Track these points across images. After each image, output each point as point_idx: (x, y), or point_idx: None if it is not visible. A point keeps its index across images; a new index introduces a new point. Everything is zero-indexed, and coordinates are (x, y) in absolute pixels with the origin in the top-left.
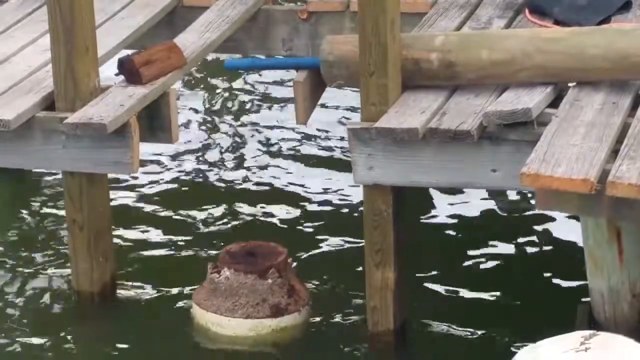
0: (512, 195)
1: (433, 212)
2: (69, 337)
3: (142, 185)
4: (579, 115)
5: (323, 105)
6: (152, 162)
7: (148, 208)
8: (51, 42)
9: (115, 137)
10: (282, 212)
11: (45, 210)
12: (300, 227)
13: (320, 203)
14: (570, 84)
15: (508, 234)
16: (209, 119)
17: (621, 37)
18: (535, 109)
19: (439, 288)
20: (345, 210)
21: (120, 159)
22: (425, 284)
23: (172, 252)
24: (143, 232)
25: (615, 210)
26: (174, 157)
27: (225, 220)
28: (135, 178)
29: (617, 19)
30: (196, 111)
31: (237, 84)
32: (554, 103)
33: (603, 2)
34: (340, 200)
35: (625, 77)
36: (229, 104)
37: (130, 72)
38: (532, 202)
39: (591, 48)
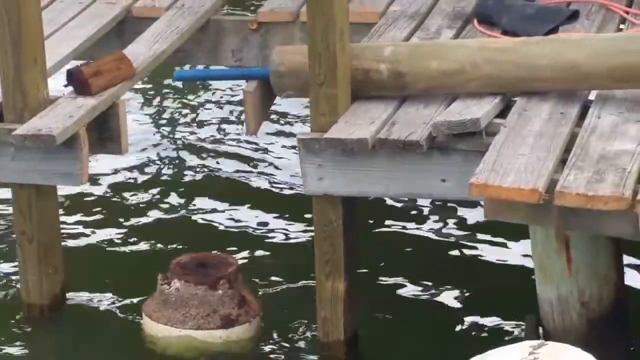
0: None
1: (384, 222)
2: (17, 351)
3: (92, 196)
4: (527, 125)
5: (278, 115)
6: (99, 172)
7: (97, 220)
8: None
9: (65, 148)
10: (232, 222)
11: None
12: (251, 238)
13: (272, 212)
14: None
15: (459, 244)
16: (160, 129)
17: (569, 47)
18: (484, 119)
19: (390, 298)
20: (297, 220)
21: (70, 170)
22: (377, 294)
23: (121, 264)
24: (93, 244)
25: (563, 220)
26: (124, 168)
27: (175, 231)
28: (85, 189)
29: (565, 29)
30: (146, 121)
31: (189, 93)
32: (503, 113)
33: (551, 12)
34: (292, 210)
35: (573, 87)
36: (181, 114)
37: (79, 83)
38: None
39: (539, 58)
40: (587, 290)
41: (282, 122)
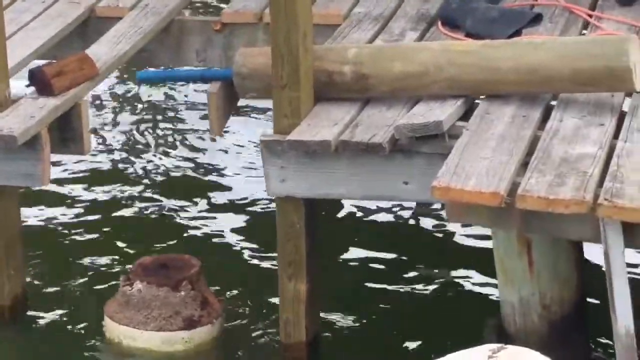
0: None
1: (346, 224)
2: None
3: (54, 197)
4: (489, 128)
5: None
6: (64, 173)
7: (59, 220)
8: None
9: (26, 149)
10: (196, 223)
11: None
12: (214, 239)
13: (235, 215)
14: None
15: (421, 246)
16: (124, 129)
17: (532, 50)
18: (447, 122)
19: (352, 300)
20: (261, 221)
21: (31, 171)
22: (338, 296)
23: (83, 265)
24: (54, 244)
25: (525, 223)
26: (86, 168)
27: (137, 232)
28: (47, 190)
29: (528, 32)
30: (110, 122)
31: (154, 92)
32: (466, 116)
33: (514, 15)
34: (255, 211)
35: (535, 90)
36: (145, 114)
37: (41, 83)
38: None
39: (502, 61)
40: (549, 293)
41: (249, 122)
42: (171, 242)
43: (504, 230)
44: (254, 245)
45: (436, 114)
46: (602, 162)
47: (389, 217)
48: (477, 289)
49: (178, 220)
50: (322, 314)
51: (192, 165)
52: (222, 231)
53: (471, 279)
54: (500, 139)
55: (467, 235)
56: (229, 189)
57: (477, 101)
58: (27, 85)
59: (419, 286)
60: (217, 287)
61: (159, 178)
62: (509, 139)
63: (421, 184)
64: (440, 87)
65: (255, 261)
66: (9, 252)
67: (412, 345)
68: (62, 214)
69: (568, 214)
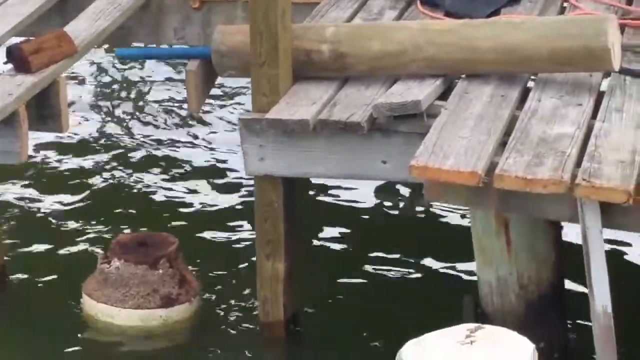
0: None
1: (324, 203)
2: None
3: (32, 174)
4: (468, 108)
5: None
6: (42, 150)
7: (37, 198)
8: None
9: (4, 126)
10: (174, 201)
11: None
12: (192, 217)
13: (214, 192)
14: (460, 77)
15: (399, 224)
16: (102, 106)
17: (510, 29)
18: (425, 101)
19: (330, 279)
20: (239, 199)
21: (9, 148)
22: (317, 275)
23: (61, 242)
24: (32, 222)
25: (502, 203)
26: (65, 146)
27: (115, 209)
28: (25, 166)
29: (507, 11)
30: (89, 98)
31: (132, 70)
32: (444, 95)
33: None
34: (234, 189)
35: (514, 70)
36: (123, 91)
37: (19, 60)
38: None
39: (481, 40)
40: (526, 273)
41: (227, 98)
42: (149, 220)
43: (481, 209)
44: (233, 224)
45: (414, 93)
46: (580, 142)
47: (366, 196)
48: (455, 268)
49: (156, 197)
50: (300, 293)
51: (170, 142)
52: (201, 209)
53: (449, 258)
54: (479, 118)
55: (446, 214)
56: (208, 166)
57: (455, 81)
58: (5, 63)
59: (397, 265)
60: (195, 266)
61: (138, 155)
62: (487, 119)
63: (399, 163)
64: (418, 67)
65: (234, 239)
66: None
67: (389, 324)
68: (41, 191)
69: (546, 193)
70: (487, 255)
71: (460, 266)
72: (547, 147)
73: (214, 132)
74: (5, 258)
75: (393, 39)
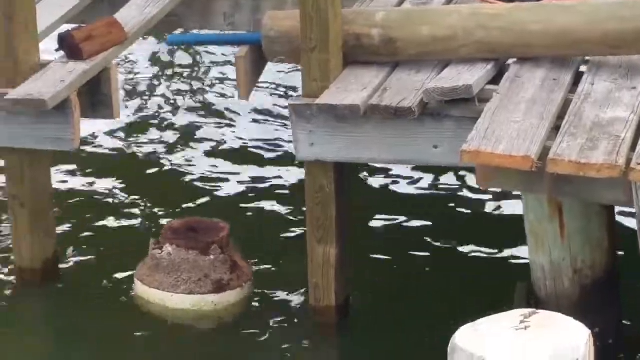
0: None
1: (375, 189)
2: (9, 315)
3: (86, 161)
4: (520, 92)
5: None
6: (95, 137)
7: (91, 184)
8: None
9: (56, 113)
10: (226, 187)
11: None
12: (244, 203)
13: (265, 177)
14: (511, 61)
15: (450, 210)
16: (154, 94)
17: (562, 13)
18: (477, 86)
19: (382, 265)
20: (291, 185)
21: (62, 135)
22: (368, 261)
23: (114, 229)
24: (86, 208)
25: (556, 187)
26: (117, 133)
27: (168, 196)
28: (79, 153)
29: None
30: (141, 85)
31: (182, 57)
32: (495, 79)
33: None
34: (286, 174)
35: (565, 53)
36: (175, 78)
37: (70, 47)
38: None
39: (532, 24)
40: (580, 257)
41: (278, 85)
42: (200, 205)
43: (534, 194)
44: (285, 209)
45: (465, 77)
46: (635, 125)
47: (417, 181)
48: (507, 253)
49: (208, 183)
50: (351, 278)
51: (218, 129)
52: (253, 195)
53: (501, 243)
54: (531, 102)
55: (498, 199)
56: (261, 152)
57: (507, 64)
58: (57, 50)
59: (449, 250)
60: (246, 252)
61: (190, 142)
62: (540, 103)
63: (451, 147)
64: (469, 51)
65: (285, 225)
66: (40, 215)
67: (441, 309)
68: (92, 178)
69: (600, 178)
70: (539, 240)
71: (512, 251)
72: (600, 131)
73: (267, 117)
74: (58, 244)
75: (443, 23)
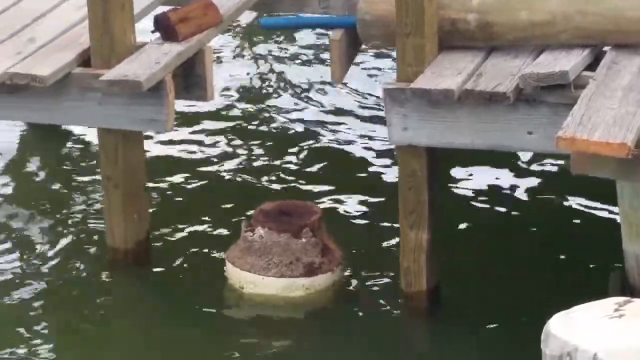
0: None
1: (467, 174)
2: (102, 293)
3: (179, 143)
4: (616, 79)
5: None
6: (188, 119)
7: (184, 166)
8: None
9: (151, 94)
10: (317, 171)
11: (82, 166)
12: (335, 186)
13: (356, 162)
14: (607, 47)
15: (542, 197)
16: (245, 76)
17: None
18: (573, 72)
19: (473, 250)
20: (382, 169)
21: (156, 116)
22: (459, 246)
23: (206, 210)
24: (178, 190)
25: None
26: (210, 115)
27: (260, 178)
28: (172, 135)
29: None
30: (232, 68)
31: (275, 40)
32: (592, 66)
33: None
34: (376, 160)
35: None
36: (267, 61)
37: (166, 29)
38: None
39: (630, 11)
40: None
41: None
42: (292, 189)
43: (630, 182)
44: (376, 193)
45: (562, 63)
46: None
47: (511, 168)
48: (600, 242)
49: (298, 166)
50: (442, 263)
51: (311, 112)
52: (344, 178)
53: (594, 232)
54: (627, 89)
55: (591, 186)
56: (351, 134)
57: (604, 51)
58: (152, 31)
59: (541, 236)
60: (337, 236)
61: (279, 124)
62: (637, 90)
63: (545, 134)
64: (566, 37)
65: (377, 209)
66: (133, 197)
67: (534, 296)
68: (184, 160)
69: None
70: (634, 228)
71: (606, 239)
72: None
73: (357, 101)
74: (151, 224)
75: (542, 8)
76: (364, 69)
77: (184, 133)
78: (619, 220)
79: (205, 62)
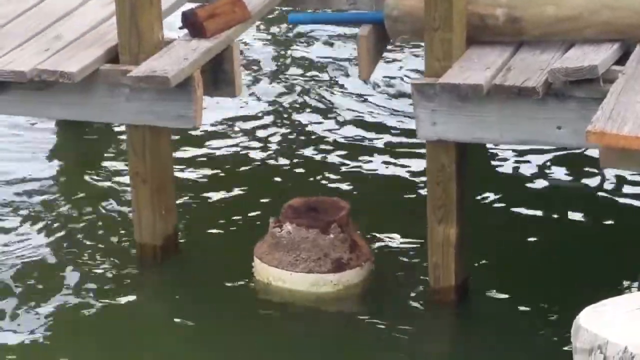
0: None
1: (496, 170)
2: (131, 288)
3: (206, 139)
4: None
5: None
6: (214, 114)
7: (211, 162)
8: None
9: (179, 90)
10: (344, 167)
11: (110, 162)
12: (363, 182)
13: (384, 157)
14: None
15: (571, 192)
16: (273, 74)
17: None
18: (602, 66)
19: (501, 246)
20: (410, 165)
21: (184, 112)
22: (488, 242)
23: (234, 206)
24: (206, 186)
25: None
26: (238, 111)
27: (288, 174)
28: (200, 131)
29: None
30: (261, 66)
31: (302, 36)
32: (621, 60)
33: None
34: (406, 153)
35: None
36: (292, 56)
37: (194, 25)
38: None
39: None
40: None
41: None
42: (320, 184)
43: None
44: (404, 188)
45: (591, 58)
46: None
47: (538, 160)
48: (628, 235)
49: (327, 161)
50: (471, 258)
51: (339, 108)
52: (372, 174)
53: (621, 226)
54: None
55: (618, 181)
56: (379, 131)
57: (633, 46)
58: (180, 28)
59: (569, 232)
60: (365, 231)
61: (305, 120)
62: None
63: (575, 128)
64: (594, 32)
65: (405, 204)
66: (161, 192)
67: (563, 291)
68: (212, 155)
69: None
70: None
71: (634, 233)
72: None
73: (385, 96)
74: (179, 219)
75: (569, 3)
76: (388, 61)
77: (210, 128)
78: None
79: (234, 58)
